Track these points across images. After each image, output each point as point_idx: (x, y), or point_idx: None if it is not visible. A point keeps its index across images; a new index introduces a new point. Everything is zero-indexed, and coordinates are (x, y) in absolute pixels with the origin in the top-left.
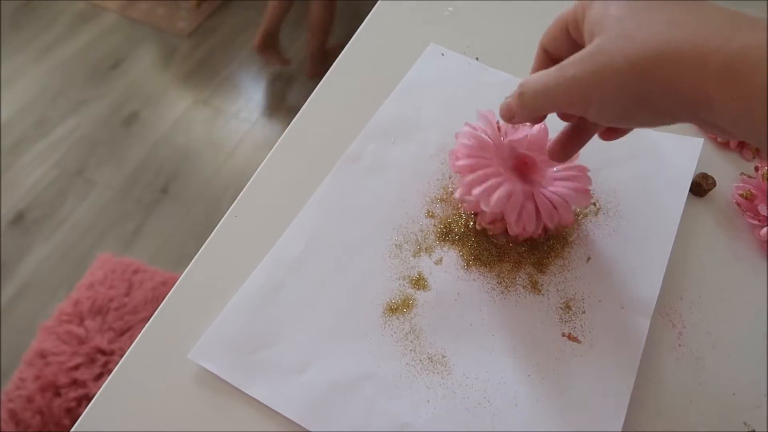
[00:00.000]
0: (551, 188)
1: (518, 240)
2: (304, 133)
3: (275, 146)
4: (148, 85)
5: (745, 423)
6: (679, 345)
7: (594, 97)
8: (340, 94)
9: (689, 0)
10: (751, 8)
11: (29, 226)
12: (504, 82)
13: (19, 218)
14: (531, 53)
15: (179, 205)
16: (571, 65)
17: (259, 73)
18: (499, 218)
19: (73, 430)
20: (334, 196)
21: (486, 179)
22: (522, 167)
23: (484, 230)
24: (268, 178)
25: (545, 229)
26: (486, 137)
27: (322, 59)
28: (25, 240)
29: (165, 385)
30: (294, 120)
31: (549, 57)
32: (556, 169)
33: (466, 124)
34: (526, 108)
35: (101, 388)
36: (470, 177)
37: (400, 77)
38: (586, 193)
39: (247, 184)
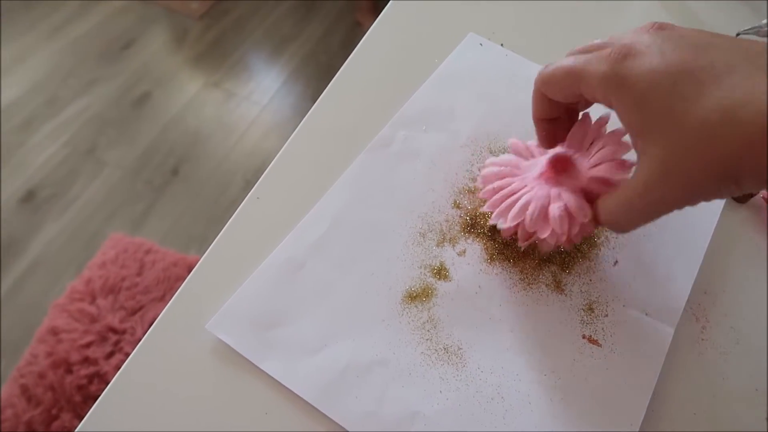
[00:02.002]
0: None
1: (556, 248)
2: (327, 115)
3: (298, 128)
4: (159, 66)
5: (767, 418)
6: (703, 339)
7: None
8: (366, 76)
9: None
10: (751, 8)
11: (40, 205)
12: None
13: (29, 196)
14: (557, 41)
15: (189, 187)
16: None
17: (271, 56)
18: (525, 233)
19: (94, 407)
20: (361, 180)
21: (504, 198)
22: (557, 167)
23: None
24: (291, 161)
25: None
26: (516, 161)
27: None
28: (36, 218)
29: (185, 365)
30: (317, 102)
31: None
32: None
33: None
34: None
35: (120, 369)
36: (494, 199)
37: (428, 61)
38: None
39: (269, 166)
